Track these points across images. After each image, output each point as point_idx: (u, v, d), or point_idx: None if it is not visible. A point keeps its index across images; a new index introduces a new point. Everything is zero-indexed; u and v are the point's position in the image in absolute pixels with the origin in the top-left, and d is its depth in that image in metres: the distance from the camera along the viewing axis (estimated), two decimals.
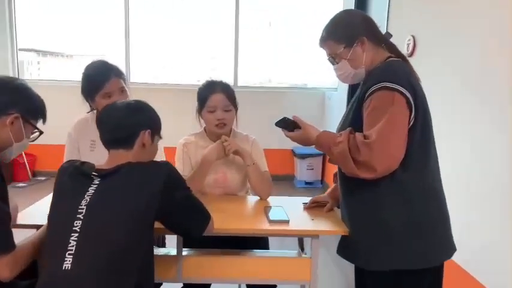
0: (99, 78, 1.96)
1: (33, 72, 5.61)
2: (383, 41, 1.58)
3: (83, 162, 1.39)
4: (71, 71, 5.43)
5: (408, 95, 1.40)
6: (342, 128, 1.58)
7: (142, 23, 5.29)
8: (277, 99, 5.32)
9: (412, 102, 1.41)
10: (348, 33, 1.54)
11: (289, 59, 5.43)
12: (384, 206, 1.47)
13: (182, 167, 1.98)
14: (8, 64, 5.14)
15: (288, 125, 1.63)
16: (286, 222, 1.69)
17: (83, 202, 1.26)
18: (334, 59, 1.58)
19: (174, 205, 1.35)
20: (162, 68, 5.44)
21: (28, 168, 5.13)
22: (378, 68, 1.51)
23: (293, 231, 1.66)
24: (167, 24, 5.35)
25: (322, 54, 1.64)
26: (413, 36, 2.99)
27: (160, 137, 1.56)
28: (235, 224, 1.68)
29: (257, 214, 1.78)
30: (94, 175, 1.32)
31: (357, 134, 1.43)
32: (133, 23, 5.23)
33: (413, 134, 1.43)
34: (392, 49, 1.59)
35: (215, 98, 1.94)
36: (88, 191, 1.28)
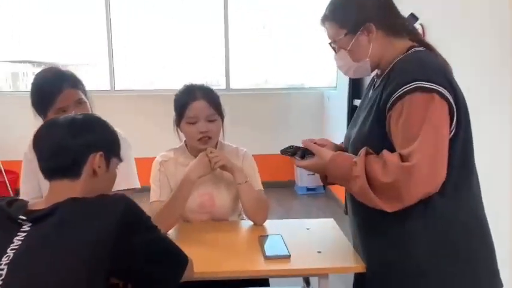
0: (50, 91, 1.62)
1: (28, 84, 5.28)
2: (401, 28, 1.25)
3: (12, 201, 1.05)
4: None
5: (449, 96, 1.08)
6: (356, 141, 1.25)
7: (126, 28, 4.96)
8: (274, 101, 5.00)
9: (454, 106, 1.09)
10: (351, 16, 1.22)
11: (284, 59, 5.11)
12: (415, 238, 1.14)
13: (159, 191, 1.64)
14: None
15: (294, 152, 1.33)
16: (287, 257, 1.35)
17: (4, 260, 0.92)
18: (334, 48, 1.25)
19: (134, 254, 1.01)
20: (149, 73, 5.10)
21: (9, 187, 4.80)
22: (402, 61, 1.18)
23: (296, 270, 1.32)
24: (153, 28, 5.02)
25: (319, 52, 1.33)
26: (421, 25, 2.66)
27: (120, 160, 1.22)
28: (223, 264, 1.34)
29: (251, 247, 1.44)
30: (22, 219, 0.98)
31: (386, 153, 1.11)
32: (116, 28, 4.89)
33: (454, 148, 1.11)
34: (414, 36, 1.26)
35: (196, 107, 1.61)
36: (13, 243, 0.94)
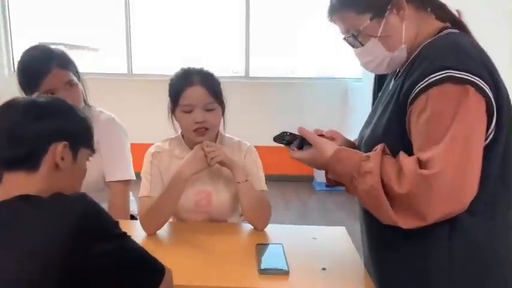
0: (37, 70, 1.48)
1: None
2: (431, 2, 1.03)
3: None
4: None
5: (488, 91, 0.86)
6: (369, 141, 1.04)
7: (144, 11, 4.80)
8: (294, 91, 4.76)
9: (494, 103, 0.87)
10: None
11: (307, 47, 4.84)
12: (437, 265, 0.93)
13: (149, 185, 1.47)
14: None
15: (290, 140, 1.13)
16: (285, 273, 1.16)
17: None
18: (355, 37, 1.02)
19: (94, 268, 0.84)
20: (167, 58, 4.93)
21: None
22: (431, 44, 0.96)
23: None
24: (171, 11, 4.83)
25: (343, 41, 1.10)
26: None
27: (92, 151, 1.05)
28: (210, 275, 1.16)
29: (246, 256, 1.25)
30: None
31: (403, 156, 0.90)
32: (135, 11, 4.74)
33: (491, 157, 0.89)
34: (445, 15, 1.03)
35: (191, 93, 1.41)
36: None
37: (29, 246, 0.78)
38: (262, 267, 1.17)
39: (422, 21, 1.00)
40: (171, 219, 1.54)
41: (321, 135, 1.19)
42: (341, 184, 1.08)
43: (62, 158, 0.93)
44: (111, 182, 1.66)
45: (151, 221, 1.39)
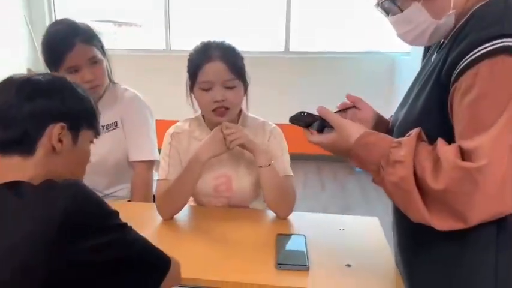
0: (60, 46, 1.43)
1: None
2: None
3: None
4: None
5: None
6: (402, 125, 0.89)
7: None
8: (337, 66, 4.52)
9: None
10: None
11: (351, 20, 4.56)
12: (479, 273, 0.79)
13: (167, 168, 1.39)
14: None
15: (309, 122, 0.99)
16: (304, 269, 1.05)
17: None
18: (393, 1, 0.86)
19: (85, 265, 0.77)
20: (205, 34, 4.84)
21: None
22: (483, 8, 0.78)
23: None
24: None
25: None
26: None
27: (96, 133, 0.98)
28: (222, 268, 1.07)
29: (264, 248, 1.15)
30: None
31: (441, 144, 0.76)
32: None
33: None
34: None
35: (210, 69, 1.30)
36: None
37: (11, 240, 0.72)
38: (280, 261, 1.07)
39: None
40: (191, 203, 1.48)
41: (343, 110, 1.05)
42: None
43: (60, 141, 0.87)
44: (134, 162, 1.62)
45: (167, 206, 1.33)
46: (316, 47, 4.68)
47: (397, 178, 0.77)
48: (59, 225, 0.73)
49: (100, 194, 1.67)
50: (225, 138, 1.29)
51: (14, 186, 0.78)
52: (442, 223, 0.74)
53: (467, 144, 0.72)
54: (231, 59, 1.32)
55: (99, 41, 1.53)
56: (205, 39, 1.40)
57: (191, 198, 1.47)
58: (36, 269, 0.71)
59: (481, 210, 0.70)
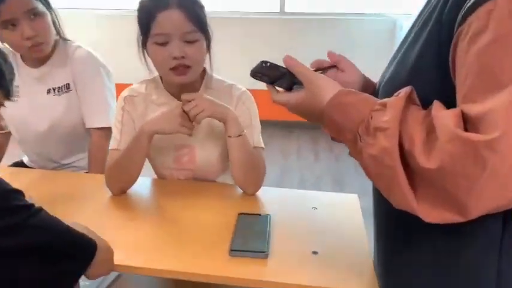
0: None
1: None
2: None
3: None
4: None
5: None
6: (389, 83, 0.73)
7: None
8: (335, 28, 4.25)
9: None
10: None
11: None
12: (480, 277, 0.63)
13: (119, 137, 1.22)
14: None
15: (275, 77, 0.80)
16: (262, 256, 0.90)
17: None
18: None
19: None
20: None
21: None
22: None
23: (267, 283, 0.86)
24: None
25: None
26: None
27: (7, 96, 0.82)
28: (168, 257, 0.92)
29: (222, 230, 1.00)
30: None
31: (437, 107, 0.58)
32: None
33: None
34: None
35: (166, 19, 1.10)
36: None
37: None
38: (234, 247, 0.92)
39: None
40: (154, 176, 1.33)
41: (320, 70, 0.87)
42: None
43: None
44: (90, 129, 1.45)
45: (115, 180, 1.17)
46: (313, 8, 4.39)
47: (377, 150, 0.60)
48: None
49: (56, 165, 1.54)
50: (187, 115, 1.11)
51: None
52: (432, 214, 0.57)
53: (473, 109, 0.53)
54: (190, 6, 1.12)
55: None
56: None
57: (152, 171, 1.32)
58: None
59: (486, 198, 0.52)
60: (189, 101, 1.10)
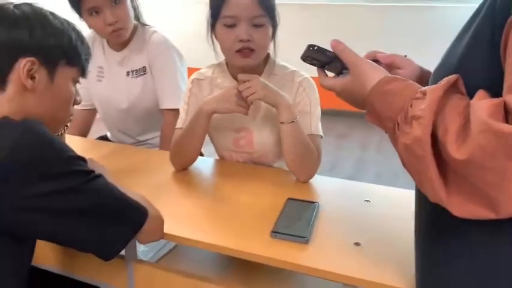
0: None
1: None
2: None
3: None
4: None
5: None
6: (437, 72, 0.69)
7: None
8: (424, 17, 3.98)
9: None
10: None
11: None
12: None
13: (184, 117, 1.30)
14: None
15: (325, 61, 0.80)
16: (303, 241, 0.91)
17: None
18: None
19: (42, 210, 0.72)
20: None
21: None
22: None
23: (303, 267, 0.86)
24: None
25: None
26: None
27: (81, 72, 0.91)
28: (214, 232, 0.97)
29: (269, 212, 1.02)
30: None
31: (478, 96, 0.56)
32: None
33: None
34: None
35: (237, 2, 1.13)
36: None
37: None
38: (276, 229, 0.93)
39: None
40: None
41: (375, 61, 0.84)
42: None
43: (32, 77, 0.81)
44: (162, 109, 1.56)
45: (177, 157, 1.25)
46: None
47: (410, 139, 0.58)
48: (5, 166, 0.68)
49: (134, 141, 1.68)
50: (241, 96, 1.14)
51: None
52: (462, 208, 0.54)
53: (510, 98, 0.49)
54: None
55: None
56: None
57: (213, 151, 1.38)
58: None
59: None
60: (244, 82, 1.13)
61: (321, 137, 1.24)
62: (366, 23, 4.09)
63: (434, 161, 0.56)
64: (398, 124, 0.62)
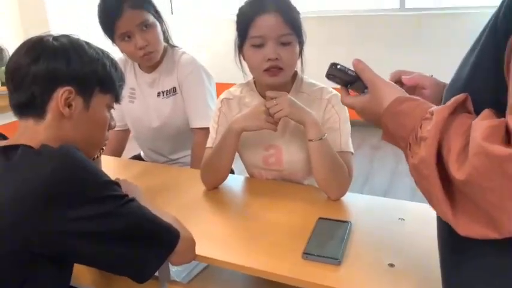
0: (110, 15, 1.42)
1: None
2: None
3: None
4: None
5: None
6: (448, 91, 0.69)
7: None
8: (462, 23, 3.87)
9: None
10: None
11: None
12: None
13: (214, 136, 1.32)
14: None
15: (348, 80, 0.81)
16: (334, 263, 0.89)
17: None
18: None
19: (78, 234, 0.74)
20: None
21: None
22: None
23: None
24: None
25: None
26: None
27: (115, 99, 0.94)
28: (243, 252, 0.97)
29: (300, 232, 1.01)
30: None
31: (481, 117, 0.56)
32: None
33: None
34: None
35: (264, 22, 1.15)
36: None
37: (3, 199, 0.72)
38: (308, 251, 0.92)
39: None
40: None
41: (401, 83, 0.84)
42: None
43: (69, 105, 0.84)
44: (193, 128, 1.58)
45: (207, 176, 1.26)
46: (436, 3, 4.05)
47: (417, 159, 0.59)
48: (43, 191, 0.71)
49: (166, 159, 1.72)
50: (269, 113, 1.15)
51: (10, 149, 0.78)
52: (467, 227, 0.54)
53: (510, 120, 0.50)
54: (287, 10, 1.16)
55: (151, 4, 1.48)
56: None
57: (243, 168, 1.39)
58: (24, 231, 0.71)
59: None
60: (272, 99, 1.14)
61: (352, 153, 1.23)
62: (396, 32, 4.03)
63: (440, 181, 0.56)
64: (410, 144, 0.63)
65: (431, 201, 0.60)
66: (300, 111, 1.14)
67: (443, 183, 0.56)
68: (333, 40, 4.16)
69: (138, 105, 1.62)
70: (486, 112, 0.55)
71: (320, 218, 1.05)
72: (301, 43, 1.20)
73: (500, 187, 0.49)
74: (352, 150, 1.23)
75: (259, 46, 1.16)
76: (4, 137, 0.91)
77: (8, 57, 1.13)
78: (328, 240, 0.96)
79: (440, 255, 0.74)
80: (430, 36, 3.92)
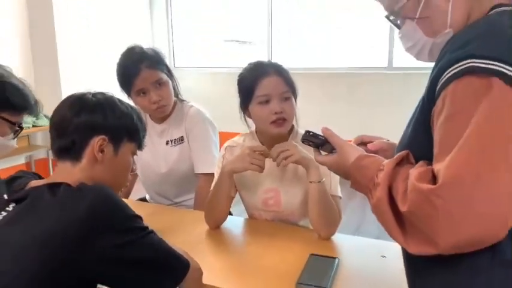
0: (128, 73, 1.62)
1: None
2: None
3: (16, 177, 1.04)
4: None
5: None
6: (398, 148, 0.89)
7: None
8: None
9: None
10: None
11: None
12: None
13: None
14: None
15: (319, 143, 1.04)
16: None
17: None
18: (391, 19, 0.89)
19: (98, 262, 0.87)
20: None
21: None
22: (460, 31, 0.77)
23: None
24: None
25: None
26: None
27: (138, 147, 1.10)
28: (243, 283, 1.10)
29: (294, 266, 1.15)
30: (7, 199, 0.95)
31: (417, 166, 0.75)
32: None
33: None
34: None
35: (268, 83, 1.37)
36: None
37: (44, 234, 0.86)
38: (301, 281, 1.06)
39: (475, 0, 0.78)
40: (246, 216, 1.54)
41: (363, 144, 1.03)
42: None
43: (102, 151, 1.00)
44: (197, 174, 1.74)
45: (208, 216, 1.41)
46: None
47: (375, 200, 0.77)
48: (82, 223, 0.85)
49: (170, 202, 1.86)
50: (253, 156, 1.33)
51: (54, 187, 0.93)
52: (415, 247, 0.70)
53: (435, 167, 0.68)
54: (284, 73, 1.40)
55: (164, 65, 1.68)
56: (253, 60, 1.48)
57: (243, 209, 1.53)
58: (65, 262, 0.83)
59: (447, 234, 0.65)
60: (280, 152, 1.31)
61: (340, 197, 1.38)
62: (383, 89, 4.31)
63: (392, 215, 0.73)
64: (370, 189, 0.81)
65: (388, 230, 0.75)
66: (306, 156, 1.32)
67: (395, 216, 0.72)
68: (326, 96, 4.45)
69: (148, 152, 1.79)
70: (420, 163, 0.74)
71: (312, 254, 1.19)
72: (295, 97, 1.42)
73: (429, 214, 0.65)
74: (340, 195, 1.39)
75: (265, 103, 1.37)
76: (40, 177, 1.07)
77: (41, 109, 1.31)
78: (319, 273, 1.10)
79: (406, 273, 0.89)
80: (417, 94, 4.16)
